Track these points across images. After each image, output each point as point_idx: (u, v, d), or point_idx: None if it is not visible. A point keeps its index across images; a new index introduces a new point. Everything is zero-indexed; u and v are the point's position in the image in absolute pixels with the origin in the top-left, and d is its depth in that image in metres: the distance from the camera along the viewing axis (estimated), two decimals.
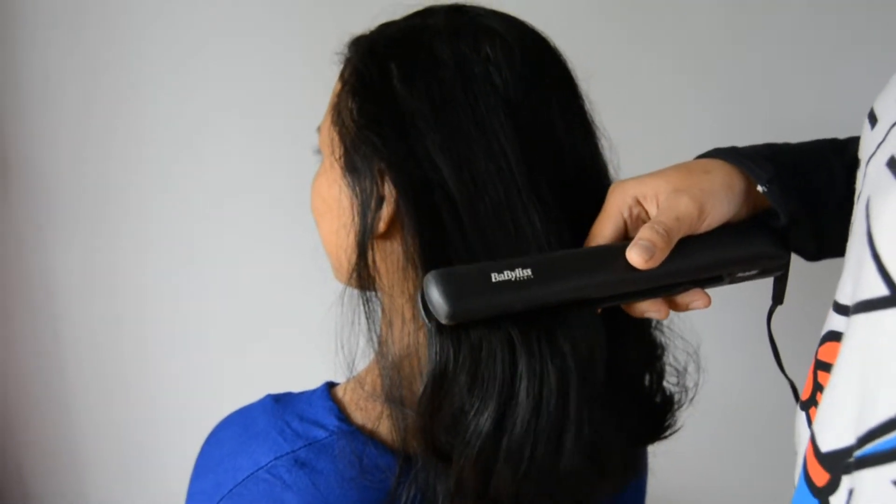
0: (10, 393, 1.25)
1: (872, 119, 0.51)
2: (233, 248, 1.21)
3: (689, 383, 0.68)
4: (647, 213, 0.57)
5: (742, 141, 1.16)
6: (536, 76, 0.57)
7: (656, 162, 1.12)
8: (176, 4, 1.15)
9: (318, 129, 0.63)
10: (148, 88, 1.17)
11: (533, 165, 0.55)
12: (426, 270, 0.51)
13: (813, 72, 1.15)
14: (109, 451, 1.27)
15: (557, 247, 0.55)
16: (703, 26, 1.15)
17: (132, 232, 1.21)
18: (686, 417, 0.69)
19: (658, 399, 0.66)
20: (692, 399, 0.68)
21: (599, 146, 0.61)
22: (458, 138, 0.54)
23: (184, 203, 1.20)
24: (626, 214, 0.57)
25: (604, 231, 0.57)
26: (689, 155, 1.18)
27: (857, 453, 0.38)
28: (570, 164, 0.58)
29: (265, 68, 1.16)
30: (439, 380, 0.51)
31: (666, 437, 0.67)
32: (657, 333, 0.66)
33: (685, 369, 0.68)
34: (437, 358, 0.50)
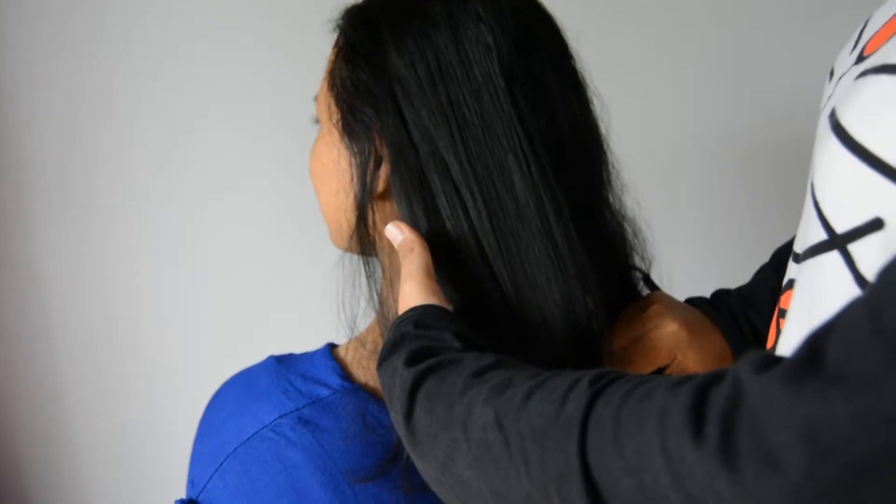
0: (4, 393, 1.23)
1: (831, 74, 0.53)
2: (224, 235, 1.20)
3: None
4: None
5: (727, 104, 1.18)
6: (528, 35, 0.57)
7: (645, 120, 1.13)
8: None
9: (315, 98, 0.64)
10: (136, 81, 1.16)
11: (528, 126, 0.55)
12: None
13: (799, 36, 1.16)
14: (107, 446, 1.26)
15: (551, 206, 0.55)
16: None
17: (121, 224, 1.20)
18: None
19: None
20: None
21: (591, 105, 0.62)
22: (453, 105, 0.54)
23: (172, 194, 1.19)
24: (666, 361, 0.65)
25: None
26: (679, 117, 1.18)
27: None
28: (564, 122, 0.58)
29: (255, 58, 1.16)
30: None
31: None
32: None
33: None
34: None
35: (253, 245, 1.20)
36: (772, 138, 1.19)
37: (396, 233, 0.55)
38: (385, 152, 0.56)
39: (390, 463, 0.55)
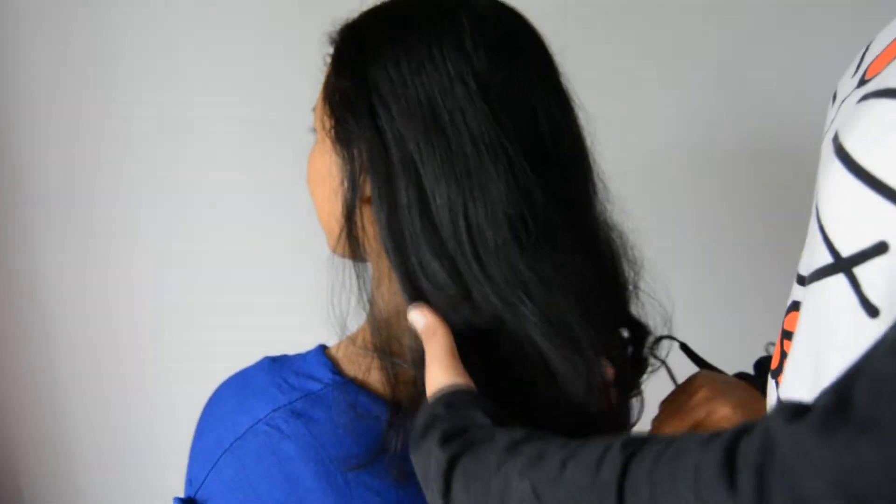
0: (1, 395, 1.25)
1: (834, 98, 0.55)
2: (224, 239, 1.23)
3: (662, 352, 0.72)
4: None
5: (716, 118, 1.19)
6: (511, 46, 0.59)
7: (633, 135, 1.15)
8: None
9: (314, 109, 0.67)
10: (136, 83, 1.19)
11: (505, 132, 0.56)
12: (391, 245, 0.56)
13: (794, 43, 1.18)
14: (104, 449, 1.28)
15: (525, 208, 0.56)
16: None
17: (119, 227, 1.23)
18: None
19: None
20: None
21: (576, 117, 0.64)
22: (424, 106, 0.56)
23: (170, 197, 1.22)
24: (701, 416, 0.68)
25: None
26: (666, 132, 1.19)
27: None
28: (548, 132, 0.60)
29: (252, 61, 1.19)
30: None
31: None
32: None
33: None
34: None
35: (252, 249, 1.22)
36: (765, 142, 1.19)
37: (419, 317, 0.56)
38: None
39: (380, 452, 0.56)
